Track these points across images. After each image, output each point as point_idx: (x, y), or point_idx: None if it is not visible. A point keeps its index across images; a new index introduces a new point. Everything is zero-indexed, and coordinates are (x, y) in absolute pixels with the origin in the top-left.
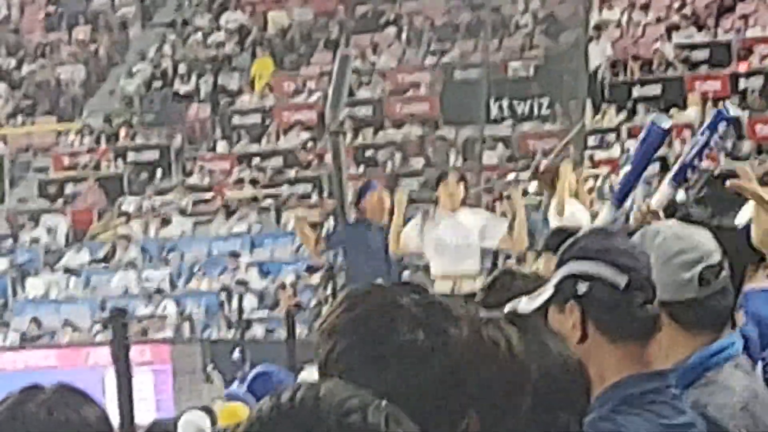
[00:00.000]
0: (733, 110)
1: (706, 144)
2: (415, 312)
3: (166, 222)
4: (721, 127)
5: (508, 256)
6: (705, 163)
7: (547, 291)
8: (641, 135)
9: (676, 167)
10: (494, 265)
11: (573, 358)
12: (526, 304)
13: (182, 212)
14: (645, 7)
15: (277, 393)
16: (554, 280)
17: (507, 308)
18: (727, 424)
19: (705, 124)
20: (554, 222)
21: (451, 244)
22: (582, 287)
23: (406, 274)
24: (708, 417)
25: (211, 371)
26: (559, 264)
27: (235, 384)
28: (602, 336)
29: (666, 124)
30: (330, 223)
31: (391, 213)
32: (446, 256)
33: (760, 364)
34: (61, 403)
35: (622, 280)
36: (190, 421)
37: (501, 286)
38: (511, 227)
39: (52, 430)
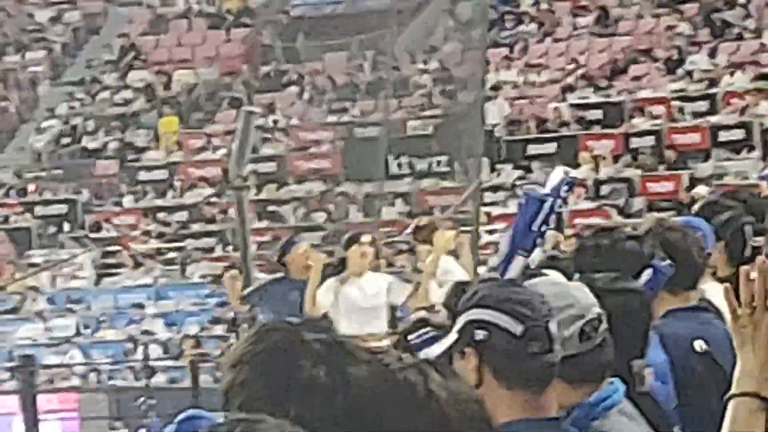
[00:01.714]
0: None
1: (551, 210)
2: (318, 349)
3: (73, 274)
4: (563, 190)
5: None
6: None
7: (450, 337)
8: (521, 209)
9: (524, 239)
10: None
11: (483, 403)
12: (433, 350)
13: (89, 265)
14: (541, 68)
15: (213, 428)
16: (456, 327)
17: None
18: None
19: (546, 191)
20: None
21: (361, 306)
22: (480, 334)
23: None
24: None
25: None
26: (461, 311)
27: None
28: (497, 382)
29: (539, 190)
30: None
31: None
32: (355, 318)
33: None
34: None
35: (517, 329)
36: None
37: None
38: (417, 283)
39: None
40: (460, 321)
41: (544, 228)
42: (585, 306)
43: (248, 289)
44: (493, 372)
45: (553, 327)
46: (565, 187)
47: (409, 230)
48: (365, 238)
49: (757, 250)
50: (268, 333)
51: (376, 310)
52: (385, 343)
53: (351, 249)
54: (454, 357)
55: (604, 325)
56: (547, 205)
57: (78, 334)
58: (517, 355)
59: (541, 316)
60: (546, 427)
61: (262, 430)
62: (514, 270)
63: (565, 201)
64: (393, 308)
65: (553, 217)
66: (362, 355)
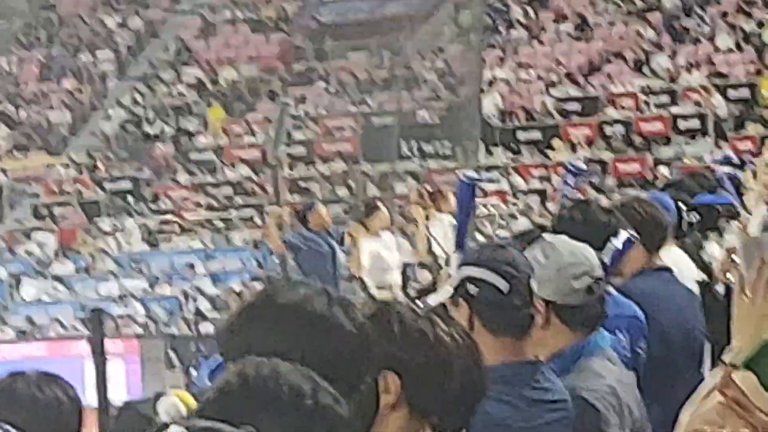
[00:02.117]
0: (579, 164)
1: (565, 195)
2: (331, 294)
3: (136, 239)
4: (570, 179)
5: (423, 266)
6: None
7: (447, 289)
8: (458, 192)
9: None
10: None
11: (477, 345)
12: (433, 299)
13: (149, 231)
14: (528, 67)
15: (241, 367)
16: (454, 282)
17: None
18: (597, 403)
19: (563, 179)
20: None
21: (385, 259)
22: (473, 289)
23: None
24: (582, 397)
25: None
26: (458, 269)
27: (193, 371)
28: (485, 329)
29: (472, 175)
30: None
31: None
32: (381, 269)
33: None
34: (44, 383)
35: (504, 286)
36: (172, 402)
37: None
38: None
39: (39, 402)
40: (457, 276)
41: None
42: (592, 265)
43: (288, 235)
44: (482, 321)
45: (533, 285)
46: (570, 176)
47: (414, 195)
48: (381, 205)
49: (691, 226)
50: (278, 283)
51: (395, 262)
52: (399, 293)
53: (371, 215)
54: (449, 306)
55: (603, 284)
56: (561, 191)
57: (140, 289)
58: (503, 308)
59: (525, 276)
60: (525, 368)
61: (283, 373)
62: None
63: (575, 187)
64: (405, 265)
65: (566, 200)
66: (367, 305)
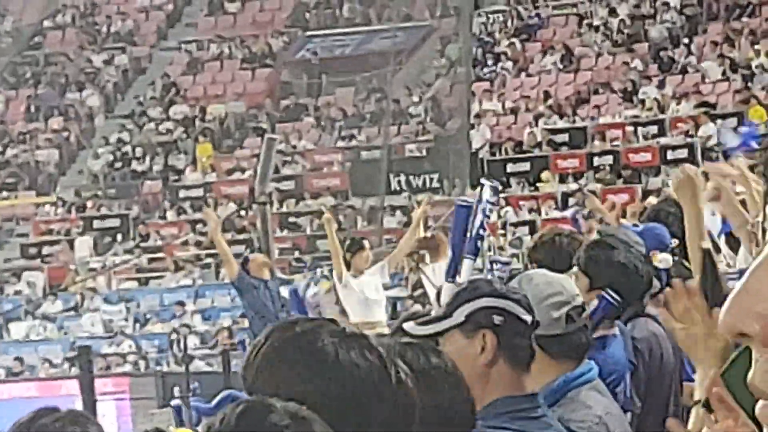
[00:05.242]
0: (491, 185)
1: (485, 215)
2: (341, 334)
3: (125, 277)
4: (493, 198)
5: (414, 301)
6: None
7: (454, 319)
8: (455, 218)
9: (467, 244)
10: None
11: (462, 377)
12: (424, 329)
13: (138, 269)
14: (516, 99)
15: (235, 404)
16: (465, 311)
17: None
18: None
19: (475, 203)
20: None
21: (369, 298)
22: (497, 319)
23: None
24: (570, 429)
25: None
26: (462, 300)
27: (185, 409)
28: (506, 362)
29: (467, 199)
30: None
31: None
32: (365, 308)
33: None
34: (73, 420)
35: (528, 318)
36: None
37: None
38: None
39: None
40: (468, 306)
41: (482, 232)
42: (571, 294)
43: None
44: (504, 353)
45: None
46: (494, 197)
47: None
48: (366, 244)
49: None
50: (290, 324)
51: (379, 301)
52: (386, 331)
53: (356, 254)
54: (454, 336)
55: (585, 313)
56: (480, 214)
57: (129, 327)
58: (524, 340)
59: (530, 310)
60: (523, 402)
61: (278, 410)
62: (465, 272)
63: (495, 205)
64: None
65: (486, 221)
66: (374, 341)
